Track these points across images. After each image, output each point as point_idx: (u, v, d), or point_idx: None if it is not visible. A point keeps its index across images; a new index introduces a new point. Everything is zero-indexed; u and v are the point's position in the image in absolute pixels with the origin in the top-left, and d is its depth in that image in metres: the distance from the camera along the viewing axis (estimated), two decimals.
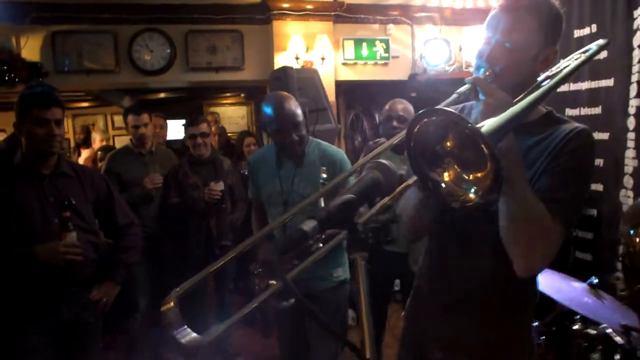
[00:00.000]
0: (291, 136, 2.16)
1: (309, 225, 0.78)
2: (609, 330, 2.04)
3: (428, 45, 4.72)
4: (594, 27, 3.74)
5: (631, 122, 2.92)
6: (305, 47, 4.36)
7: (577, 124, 1.23)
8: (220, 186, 3.26)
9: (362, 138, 5.99)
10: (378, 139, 3.34)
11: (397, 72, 4.97)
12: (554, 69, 1.25)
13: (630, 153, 2.89)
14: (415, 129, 0.95)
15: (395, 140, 1.11)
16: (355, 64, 4.78)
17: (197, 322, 3.16)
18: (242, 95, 8.38)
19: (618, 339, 2.00)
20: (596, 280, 2.05)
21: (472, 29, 4.75)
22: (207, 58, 4.41)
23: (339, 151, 2.30)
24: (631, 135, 2.89)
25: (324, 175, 2.02)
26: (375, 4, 4.68)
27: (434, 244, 1.40)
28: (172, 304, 0.81)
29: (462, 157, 0.98)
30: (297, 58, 4.32)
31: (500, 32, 1.20)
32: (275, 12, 4.38)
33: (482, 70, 1.23)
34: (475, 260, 1.28)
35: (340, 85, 4.76)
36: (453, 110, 1.04)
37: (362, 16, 4.71)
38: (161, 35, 4.39)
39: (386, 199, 0.92)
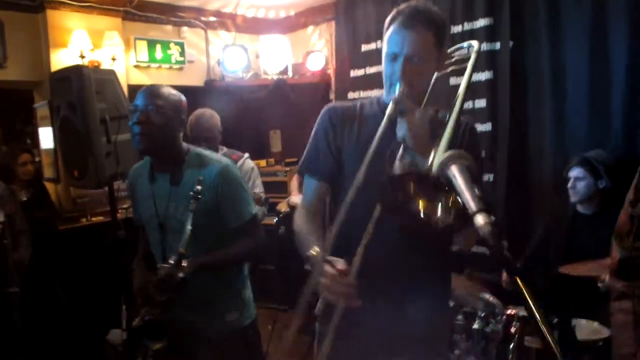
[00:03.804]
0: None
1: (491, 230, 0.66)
2: None
3: (226, 51, 4.62)
4: (380, 43, 4.25)
5: None
6: (92, 44, 3.74)
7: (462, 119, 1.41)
8: None
9: None
10: None
11: (192, 78, 4.73)
12: None
13: None
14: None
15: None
16: (148, 67, 4.34)
17: None
18: None
19: None
20: None
21: (269, 37, 4.86)
22: None
23: (220, 160, 1.85)
24: None
25: (198, 187, 1.67)
26: (169, 3, 4.35)
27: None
28: None
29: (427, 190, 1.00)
30: (82, 57, 3.67)
31: (407, 48, 1.29)
32: None
33: (396, 87, 1.29)
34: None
35: (132, 90, 4.25)
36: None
37: (155, 15, 4.32)
38: None
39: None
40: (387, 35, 1.36)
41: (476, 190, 0.74)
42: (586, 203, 2.70)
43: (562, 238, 2.76)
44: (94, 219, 3.85)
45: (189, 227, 1.64)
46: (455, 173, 0.77)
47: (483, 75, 3.54)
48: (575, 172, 2.68)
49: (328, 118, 1.48)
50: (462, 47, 1.49)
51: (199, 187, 1.67)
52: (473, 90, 3.61)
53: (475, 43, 1.43)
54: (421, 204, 1.01)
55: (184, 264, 1.63)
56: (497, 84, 3.51)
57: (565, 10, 3.15)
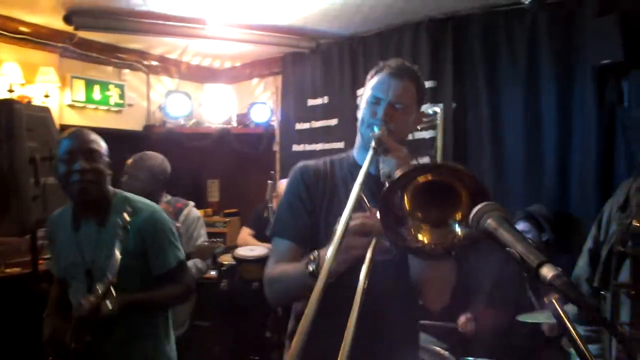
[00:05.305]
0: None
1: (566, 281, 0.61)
2: None
3: (169, 97, 4.49)
4: (326, 99, 4.35)
5: None
6: (24, 79, 3.47)
7: None
8: None
9: None
10: None
11: (131, 122, 4.52)
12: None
13: None
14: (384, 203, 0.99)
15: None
16: (84, 107, 4.08)
17: None
18: None
19: None
20: None
21: (214, 86, 4.81)
22: None
23: (149, 204, 1.83)
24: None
25: (126, 217, 1.59)
26: (111, 44, 4.18)
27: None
28: None
29: (426, 216, 1.02)
30: (11, 91, 3.38)
31: (392, 95, 1.35)
32: None
33: (375, 128, 1.33)
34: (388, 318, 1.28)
35: (64, 130, 3.94)
36: (412, 164, 1.05)
37: (95, 55, 4.12)
38: None
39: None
40: (371, 83, 1.40)
41: (530, 241, 0.71)
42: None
43: (510, 289, 2.83)
44: (8, 270, 3.40)
45: (117, 254, 1.53)
46: (495, 226, 0.75)
47: (427, 134, 3.70)
48: (520, 226, 2.80)
49: (300, 178, 1.42)
50: (429, 114, 1.57)
51: (126, 217, 1.58)
52: (416, 147, 3.75)
53: (438, 109, 1.52)
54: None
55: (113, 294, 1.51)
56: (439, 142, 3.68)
57: (502, 75, 3.42)
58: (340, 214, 1.10)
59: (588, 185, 3.01)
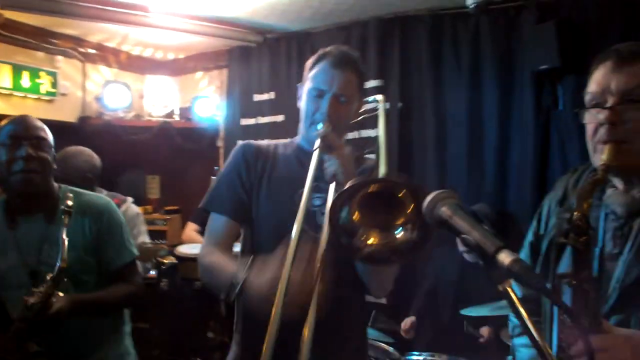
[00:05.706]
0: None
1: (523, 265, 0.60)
2: None
3: (107, 87, 4.25)
4: (273, 94, 4.29)
5: None
6: None
7: None
8: None
9: None
10: None
11: (64, 112, 4.23)
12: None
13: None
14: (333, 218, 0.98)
15: None
16: (11, 94, 3.77)
17: None
18: None
19: None
20: None
21: (155, 78, 4.61)
22: None
23: (101, 197, 1.72)
24: None
25: (69, 202, 1.46)
26: (43, 28, 3.90)
27: None
28: None
29: (375, 221, 1.02)
30: None
31: (336, 87, 1.32)
32: None
33: (320, 124, 1.31)
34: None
35: None
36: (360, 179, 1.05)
37: (24, 39, 3.82)
38: None
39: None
40: (312, 73, 1.37)
41: (485, 227, 0.71)
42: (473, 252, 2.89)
43: (451, 286, 2.89)
44: None
45: (65, 239, 1.40)
46: (449, 213, 0.73)
47: (373, 132, 3.72)
48: None
49: (242, 154, 1.41)
50: (368, 102, 1.58)
51: (69, 202, 1.47)
52: (363, 145, 3.77)
53: (379, 97, 1.53)
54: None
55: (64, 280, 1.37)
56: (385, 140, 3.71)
57: (446, 76, 3.50)
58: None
59: (525, 185, 3.15)
